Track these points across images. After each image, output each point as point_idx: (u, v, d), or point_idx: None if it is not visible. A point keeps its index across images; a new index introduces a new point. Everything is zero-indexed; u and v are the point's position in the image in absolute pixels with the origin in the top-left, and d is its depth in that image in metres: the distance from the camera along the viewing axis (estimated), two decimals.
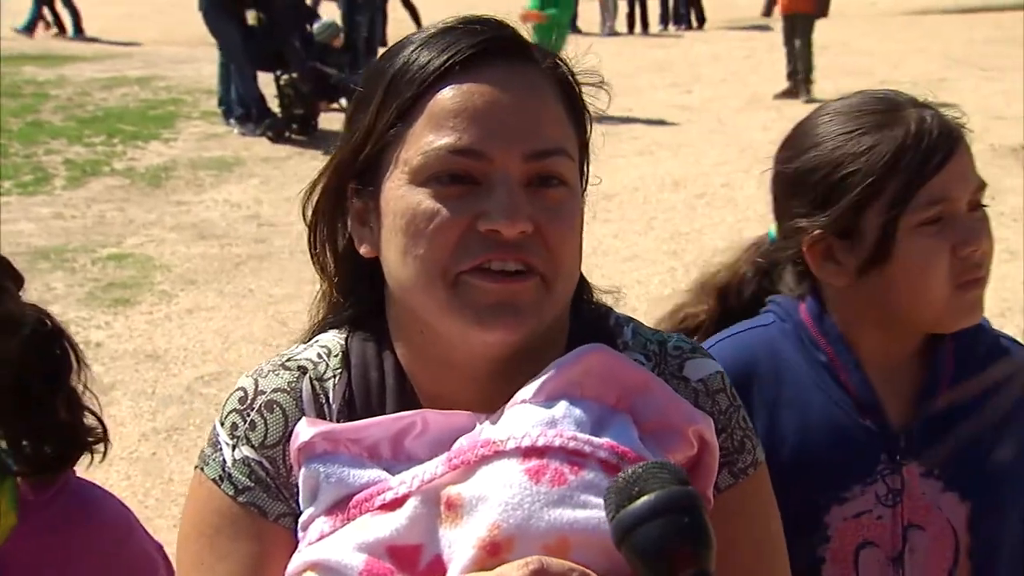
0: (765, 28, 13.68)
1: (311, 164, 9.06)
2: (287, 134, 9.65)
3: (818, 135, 1.41)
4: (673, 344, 1.12)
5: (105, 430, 1.24)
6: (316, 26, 9.80)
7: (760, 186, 7.92)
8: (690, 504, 0.82)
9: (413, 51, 1.03)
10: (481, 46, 1.01)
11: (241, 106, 10.07)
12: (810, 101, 10.37)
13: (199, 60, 13.37)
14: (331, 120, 10.05)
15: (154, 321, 5.74)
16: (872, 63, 12.76)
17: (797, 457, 1.37)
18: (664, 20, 16.71)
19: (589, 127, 1.09)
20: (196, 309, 5.88)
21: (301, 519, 1.01)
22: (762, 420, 1.38)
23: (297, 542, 1.01)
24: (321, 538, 0.97)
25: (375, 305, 1.11)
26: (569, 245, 1.02)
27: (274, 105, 9.91)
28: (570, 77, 1.07)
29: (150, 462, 4.30)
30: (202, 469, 1.06)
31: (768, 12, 13.69)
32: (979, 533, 1.38)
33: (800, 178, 1.41)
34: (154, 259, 6.70)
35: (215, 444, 1.06)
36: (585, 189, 1.09)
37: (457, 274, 0.99)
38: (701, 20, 16.54)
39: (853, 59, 13.00)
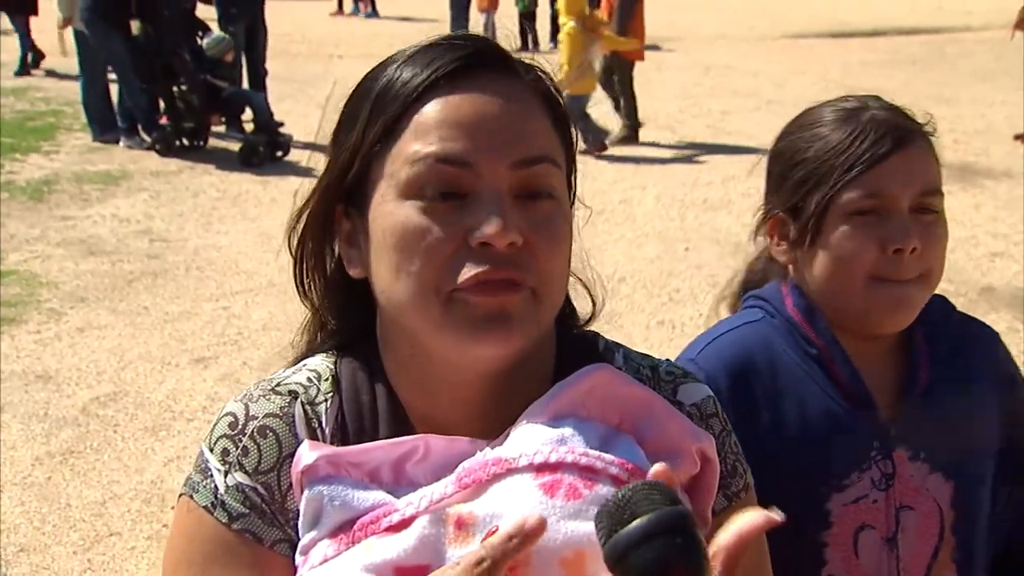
0: (655, 48, 13.94)
1: (203, 178, 8.84)
2: (176, 143, 9.43)
3: (790, 129, 1.53)
4: (665, 369, 1.14)
5: None
6: (208, 40, 9.57)
7: (657, 202, 8.01)
8: (682, 524, 0.81)
9: (396, 68, 1.02)
10: (465, 60, 1.00)
11: (126, 119, 9.78)
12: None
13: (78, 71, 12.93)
14: (216, 136, 9.84)
15: (43, 340, 5.50)
16: (757, 84, 13.17)
17: (799, 446, 1.44)
18: (555, 38, 16.93)
19: (574, 141, 1.09)
20: (88, 327, 5.66)
21: (302, 543, 0.97)
22: (766, 412, 1.44)
23: (294, 569, 0.98)
24: (324, 561, 0.93)
25: (363, 330, 1.09)
26: (558, 258, 1.01)
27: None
28: (553, 91, 1.07)
29: (45, 487, 4.11)
30: (191, 496, 1.02)
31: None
32: (961, 508, 1.47)
33: (771, 164, 1.54)
34: (40, 276, 6.43)
35: (204, 470, 1.02)
36: (573, 203, 1.09)
37: (451, 291, 0.97)
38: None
39: (739, 80, 13.39)
